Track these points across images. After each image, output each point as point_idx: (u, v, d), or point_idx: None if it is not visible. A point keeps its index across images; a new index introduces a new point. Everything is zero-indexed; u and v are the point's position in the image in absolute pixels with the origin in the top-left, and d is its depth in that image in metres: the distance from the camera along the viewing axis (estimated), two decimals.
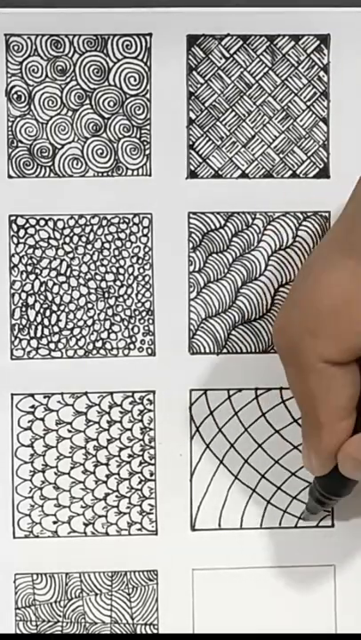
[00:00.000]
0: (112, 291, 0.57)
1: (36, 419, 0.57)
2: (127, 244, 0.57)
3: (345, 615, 0.57)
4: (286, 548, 0.57)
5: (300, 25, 0.57)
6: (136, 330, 0.57)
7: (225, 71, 0.57)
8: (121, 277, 0.57)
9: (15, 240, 0.57)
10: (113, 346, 0.57)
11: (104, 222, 0.57)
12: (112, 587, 0.57)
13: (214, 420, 0.57)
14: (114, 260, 0.57)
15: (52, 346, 0.57)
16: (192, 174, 0.57)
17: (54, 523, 0.57)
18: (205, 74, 0.57)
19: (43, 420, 0.57)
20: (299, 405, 0.50)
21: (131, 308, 0.57)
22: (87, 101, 0.57)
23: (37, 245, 0.57)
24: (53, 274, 0.57)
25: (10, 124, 0.56)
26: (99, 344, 0.57)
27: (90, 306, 0.57)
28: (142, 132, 0.57)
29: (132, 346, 0.57)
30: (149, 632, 0.57)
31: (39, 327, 0.57)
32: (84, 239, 0.57)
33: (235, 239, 0.57)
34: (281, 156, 0.57)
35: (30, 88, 0.56)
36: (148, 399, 0.57)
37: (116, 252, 0.57)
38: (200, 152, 0.57)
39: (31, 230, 0.57)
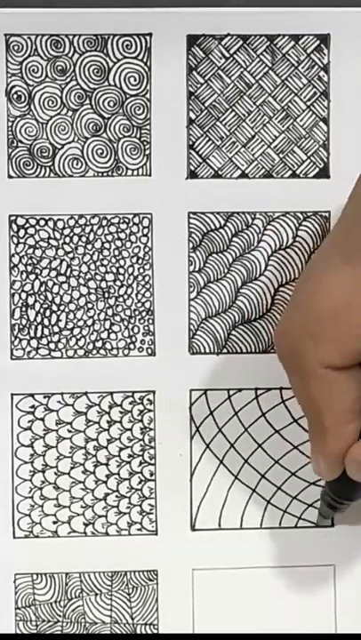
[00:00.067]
0: (112, 291, 0.57)
1: (36, 419, 0.57)
2: (127, 244, 0.57)
3: (345, 615, 0.57)
4: (286, 548, 0.57)
5: (300, 25, 0.57)
6: (136, 330, 0.57)
7: (225, 71, 0.57)
8: (121, 277, 0.57)
9: (15, 240, 0.57)
10: (113, 346, 0.57)
11: (104, 222, 0.57)
12: (112, 587, 0.57)
13: (214, 419, 0.57)
14: (114, 260, 0.57)
15: (52, 346, 0.57)
16: (192, 174, 0.57)
17: (54, 523, 0.57)
18: (205, 74, 0.57)
19: (43, 420, 0.57)
20: (304, 411, 0.50)
21: (131, 308, 0.57)
22: (87, 101, 0.57)
23: (37, 245, 0.57)
24: (53, 274, 0.57)
25: (10, 124, 0.56)
26: (99, 344, 0.57)
27: (90, 306, 0.57)
28: (142, 132, 0.57)
29: (132, 346, 0.57)
30: (149, 632, 0.57)
31: (39, 327, 0.57)
32: (84, 239, 0.57)
33: (235, 239, 0.57)
34: (281, 155, 0.57)
35: (30, 88, 0.56)
36: (148, 399, 0.57)
37: (116, 252, 0.57)
38: (200, 152, 0.57)
39: (31, 230, 0.57)
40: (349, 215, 0.48)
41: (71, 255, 0.57)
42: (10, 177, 0.57)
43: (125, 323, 0.57)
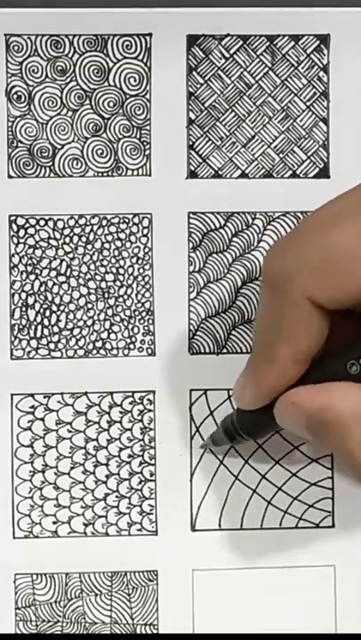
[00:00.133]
0: (112, 291, 0.57)
1: (36, 419, 0.57)
2: (127, 244, 0.57)
3: (345, 615, 0.57)
4: (286, 548, 0.57)
5: (300, 25, 0.57)
6: (136, 330, 0.57)
7: (225, 71, 0.57)
8: (121, 277, 0.57)
9: (15, 240, 0.57)
10: (113, 346, 0.57)
11: (104, 222, 0.57)
12: (112, 587, 0.57)
13: (214, 420, 0.57)
14: (114, 261, 0.57)
15: (51, 346, 0.57)
16: (192, 174, 0.57)
17: (54, 523, 0.57)
18: (205, 74, 0.57)
19: (43, 420, 0.57)
20: (259, 333, 0.48)
21: (131, 309, 0.57)
22: (87, 101, 0.57)
23: (37, 245, 0.57)
24: (53, 274, 0.57)
25: (10, 124, 0.56)
26: (99, 344, 0.57)
27: (90, 306, 0.57)
28: (142, 132, 0.57)
29: (132, 346, 0.57)
30: (149, 632, 0.57)
31: (39, 327, 0.57)
32: (84, 239, 0.57)
33: (235, 239, 0.57)
34: (281, 155, 0.57)
35: (30, 88, 0.56)
36: (148, 399, 0.57)
37: (116, 253, 0.57)
38: (200, 152, 0.57)
39: (31, 230, 0.57)
40: None
41: (71, 255, 0.57)
42: (10, 177, 0.57)
43: (125, 323, 0.57)
